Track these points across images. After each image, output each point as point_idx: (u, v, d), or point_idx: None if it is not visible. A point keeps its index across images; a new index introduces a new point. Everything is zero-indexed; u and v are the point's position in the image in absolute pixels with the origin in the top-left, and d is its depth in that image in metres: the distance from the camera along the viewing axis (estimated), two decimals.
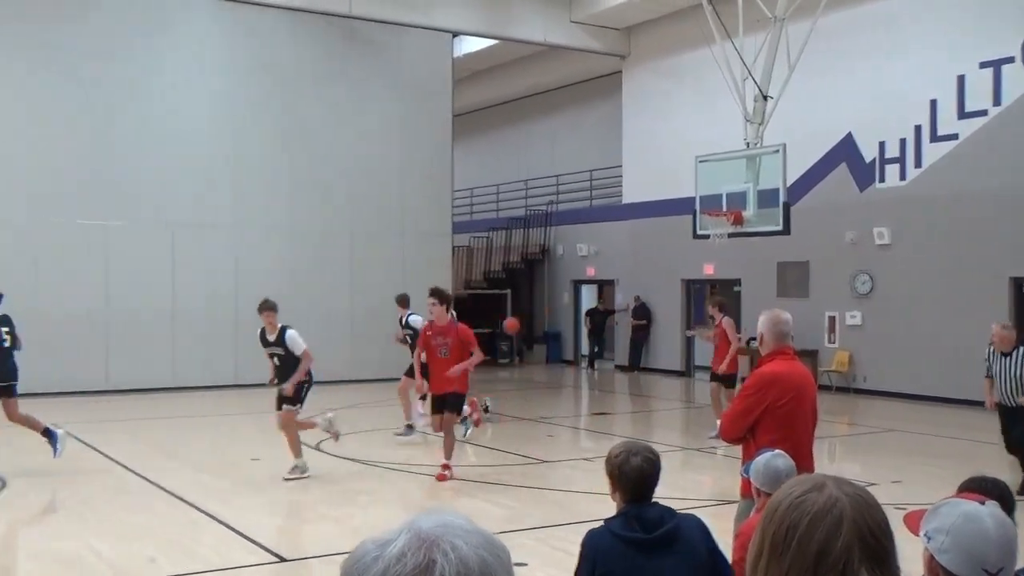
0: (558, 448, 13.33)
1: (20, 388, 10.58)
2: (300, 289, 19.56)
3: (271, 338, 10.41)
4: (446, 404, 10.36)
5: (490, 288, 27.06)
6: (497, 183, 29.49)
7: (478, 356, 10.37)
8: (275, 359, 10.53)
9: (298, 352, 10.32)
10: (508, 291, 26.96)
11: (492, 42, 24.95)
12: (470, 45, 25.46)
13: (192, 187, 19.63)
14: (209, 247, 19.82)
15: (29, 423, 10.64)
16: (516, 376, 24.00)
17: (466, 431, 12.73)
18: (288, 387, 10.28)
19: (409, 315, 13.48)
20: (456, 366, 10.17)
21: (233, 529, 8.18)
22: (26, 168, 18.19)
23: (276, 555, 7.39)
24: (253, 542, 7.75)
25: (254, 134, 20.30)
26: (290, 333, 10.34)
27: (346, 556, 1.26)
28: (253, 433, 14.04)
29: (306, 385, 10.52)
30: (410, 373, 13.15)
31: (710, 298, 14.84)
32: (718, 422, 13.22)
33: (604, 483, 3.80)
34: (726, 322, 13.39)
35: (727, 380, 13.34)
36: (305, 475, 10.44)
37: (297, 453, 10.51)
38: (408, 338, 13.33)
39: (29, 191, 18.20)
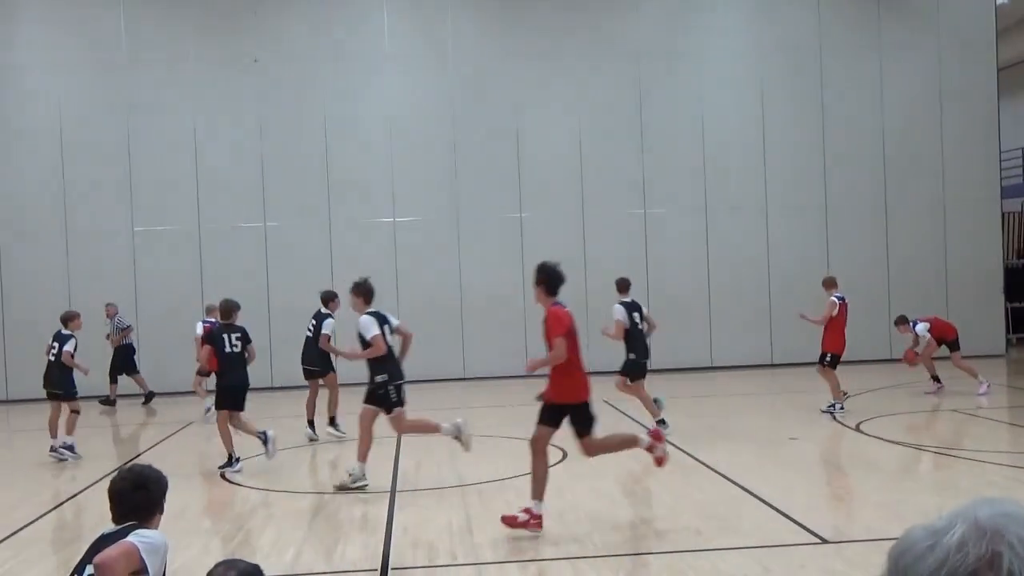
0: None
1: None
2: (835, 269, 19.16)
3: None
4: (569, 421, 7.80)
5: None
6: None
7: (556, 354, 7.46)
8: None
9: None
10: None
11: None
12: None
13: (717, 171, 20.13)
14: (745, 231, 20.15)
15: (246, 428, 10.86)
16: None
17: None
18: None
19: (618, 302, 12.08)
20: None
21: (773, 507, 8.26)
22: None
23: (818, 536, 7.32)
24: (793, 521, 7.76)
25: (780, 114, 20.20)
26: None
27: (894, 543, 1.23)
28: (788, 412, 14.07)
29: (391, 387, 9.29)
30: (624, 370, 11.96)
31: None
32: None
33: None
34: None
35: None
36: (356, 485, 9.39)
37: (360, 457, 9.45)
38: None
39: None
